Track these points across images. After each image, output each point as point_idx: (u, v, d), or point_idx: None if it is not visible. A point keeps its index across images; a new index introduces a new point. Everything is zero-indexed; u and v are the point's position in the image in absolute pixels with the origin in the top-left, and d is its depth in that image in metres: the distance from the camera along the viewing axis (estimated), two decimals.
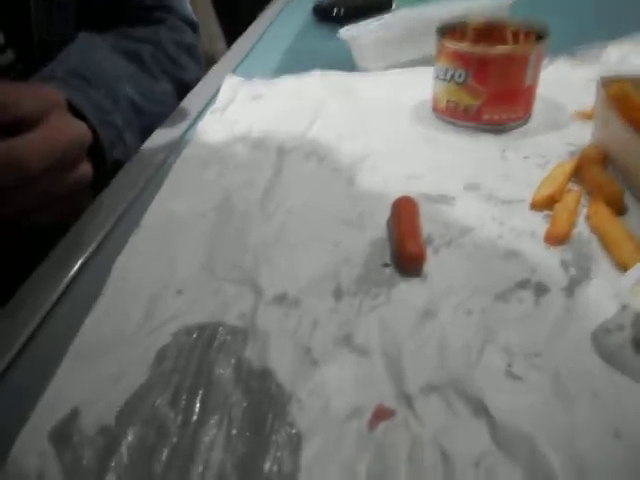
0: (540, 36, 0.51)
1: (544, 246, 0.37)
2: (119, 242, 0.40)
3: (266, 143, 0.51)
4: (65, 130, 0.41)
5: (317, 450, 0.26)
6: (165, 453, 0.26)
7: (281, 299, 0.34)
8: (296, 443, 0.26)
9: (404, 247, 0.36)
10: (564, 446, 0.25)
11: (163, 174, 0.47)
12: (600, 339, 0.30)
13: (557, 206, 0.40)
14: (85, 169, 0.45)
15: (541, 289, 0.33)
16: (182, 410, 0.28)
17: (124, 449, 0.26)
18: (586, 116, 0.53)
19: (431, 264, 0.36)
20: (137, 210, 0.43)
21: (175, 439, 0.27)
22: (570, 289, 0.33)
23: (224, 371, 0.30)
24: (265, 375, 0.29)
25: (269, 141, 0.51)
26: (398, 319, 0.32)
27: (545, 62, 0.58)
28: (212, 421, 0.27)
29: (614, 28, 0.69)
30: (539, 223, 0.39)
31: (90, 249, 0.40)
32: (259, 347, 0.31)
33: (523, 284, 0.34)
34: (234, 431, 0.27)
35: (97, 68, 0.59)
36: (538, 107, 0.53)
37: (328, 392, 0.28)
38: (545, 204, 0.41)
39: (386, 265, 0.36)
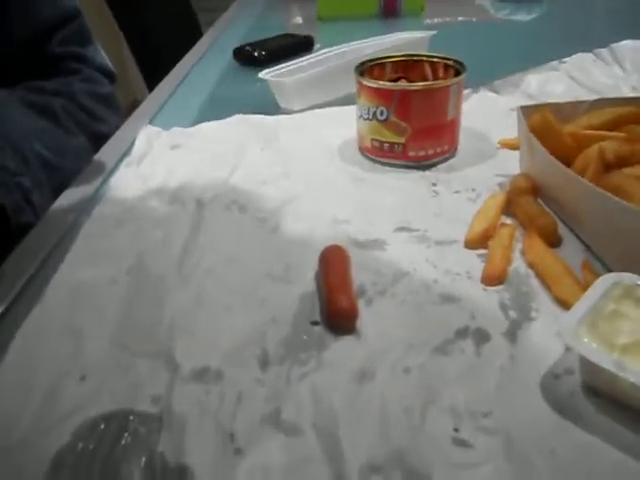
0: (459, 69, 0.50)
1: (481, 287, 0.35)
2: (19, 320, 0.35)
3: (183, 195, 0.47)
4: None
5: None
6: None
7: (200, 374, 0.30)
8: None
9: (334, 303, 0.32)
10: None
11: (72, 237, 0.43)
12: (549, 387, 0.28)
13: (491, 243, 0.38)
14: None
15: (482, 336, 0.31)
16: None
17: None
18: (511, 145, 0.52)
19: (364, 318, 0.33)
20: (42, 281, 0.38)
21: None
22: (512, 333, 0.31)
23: (132, 474, 0.25)
24: (181, 473, 0.25)
25: (187, 193, 0.47)
26: (331, 386, 0.28)
27: (466, 94, 0.58)
28: None
29: (531, 58, 0.70)
30: (474, 262, 0.37)
31: None
32: (175, 437, 0.27)
33: (462, 333, 0.31)
34: None
35: (2, 125, 0.55)
36: (463, 139, 0.53)
37: None
38: (479, 242, 0.39)
39: (315, 323, 0.33)
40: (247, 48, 0.82)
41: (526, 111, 0.44)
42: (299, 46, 0.83)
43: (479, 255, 0.38)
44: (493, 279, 0.35)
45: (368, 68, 0.52)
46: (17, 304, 0.37)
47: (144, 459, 0.26)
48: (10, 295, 0.38)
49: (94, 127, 0.68)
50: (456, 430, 0.26)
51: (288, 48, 0.82)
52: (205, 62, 0.89)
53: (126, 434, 0.27)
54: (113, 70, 0.77)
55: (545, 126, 0.41)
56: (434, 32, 0.73)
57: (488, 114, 0.58)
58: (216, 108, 0.64)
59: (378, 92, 0.48)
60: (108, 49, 0.80)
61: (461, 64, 0.51)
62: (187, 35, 1.19)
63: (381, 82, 0.48)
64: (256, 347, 0.31)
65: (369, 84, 0.48)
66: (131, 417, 0.28)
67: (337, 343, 0.31)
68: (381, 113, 0.48)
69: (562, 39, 0.89)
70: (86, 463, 0.26)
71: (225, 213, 0.44)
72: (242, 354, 0.31)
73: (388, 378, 0.29)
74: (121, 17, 1.55)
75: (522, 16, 1.10)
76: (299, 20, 1.16)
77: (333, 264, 0.36)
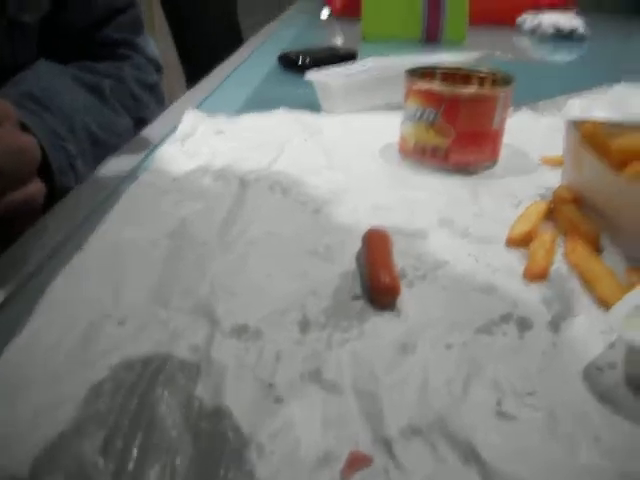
0: (507, 82, 0.51)
1: (523, 282, 0.35)
2: (60, 266, 0.35)
3: (228, 174, 0.47)
4: (13, 140, 0.37)
5: None
6: None
7: (239, 331, 0.30)
8: None
9: (377, 279, 0.32)
10: None
11: (115, 200, 0.43)
12: (593, 378, 0.27)
13: (534, 244, 0.38)
14: (35, 189, 0.40)
15: (525, 324, 0.30)
16: (115, 458, 0.23)
17: None
18: (553, 162, 0.52)
19: (405, 298, 0.33)
20: (84, 234, 0.39)
21: None
22: (555, 324, 0.31)
23: (169, 411, 0.25)
24: (219, 416, 0.25)
25: (231, 172, 0.48)
26: (372, 354, 0.28)
27: (509, 111, 0.58)
28: (152, 471, 0.22)
29: (575, 85, 0.70)
30: (515, 261, 0.37)
31: (29, 270, 0.35)
32: (213, 383, 0.26)
33: (505, 318, 0.31)
34: None
35: (54, 95, 0.56)
36: (504, 153, 0.53)
37: (294, 435, 0.24)
38: (520, 242, 0.39)
39: (357, 298, 0.33)
40: (292, 54, 0.84)
41: (574, 124, 0.44)
42: (343, 58, 0.85)
43: (521, 255, 0.38)
44: (535, 275, 0.35)
45: (419, 74, 0.52)
46: (58, 256, 0.37)
47: (181, 399, 0.25)
48: (52, 242, 0.38)
49: (139, 112, 0.70)
50: (499, 404, 0.25)
51: (332, 58, 0.83)
52: (249, 64, 0.90)
53: (162, 377, 0.27)
54: (161, 62, 0.78)
55: (595, 136, 0.41)
56: (480, 54, 0.75)
57: (529, 132, 0.59)
58: (260, 104, 0.65)
59: (429, 94, 0.48)
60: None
61: (509, 77, 0.51)
62: (230, 46, 1.22)
63: (433, 84, 0.49)
64: (297, 312, 0.31)
65: (421, 86, 0.49)
66: (168, 362, 0.28)
67: (378, 317, 0.31)
68: (429, 115, 0.49)
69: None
70: (123, 394, 0.25)
71: (268, 193, 0.45)
72: (282, 317, 0.31)
73: (429, 352, 0.28)
74: (172, 16, 1.59)
75: (562, 57, 1.11)
76: (342, 39, 1.18)
77: (376, 244, 0.36)
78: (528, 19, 1.23)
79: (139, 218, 0.40)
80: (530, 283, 0.35)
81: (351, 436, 0.24)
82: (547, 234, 0.39)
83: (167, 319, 0.31)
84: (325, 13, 1.35)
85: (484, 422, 0.24)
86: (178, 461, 0.23)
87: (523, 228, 0.40)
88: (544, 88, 0.73)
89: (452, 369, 0.27)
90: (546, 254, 0.37)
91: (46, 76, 0.59)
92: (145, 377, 0.27)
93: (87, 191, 0.46)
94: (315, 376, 0.27)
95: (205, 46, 1.54)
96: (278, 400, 0.25)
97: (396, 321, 0.31)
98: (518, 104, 0.64)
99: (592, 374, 0.27)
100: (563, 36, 1.18)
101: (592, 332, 0.30)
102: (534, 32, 1.21)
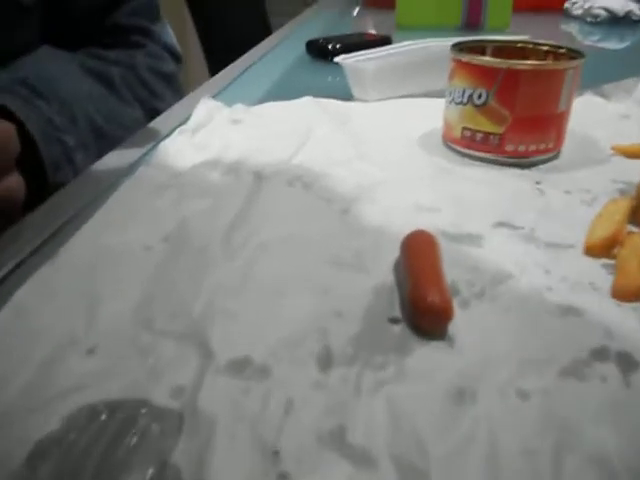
0: (575, 58, 0.42)
1: (613, 302, 0.27)
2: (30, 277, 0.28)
3: (241, 167, 0.40)
4: None
5: None
6: None
7: (240, 366, 0.22)
8: None
9: (422, 296, 0.25)
10: None
11: (107, 197, 0.36)
12: None
13: (623, 252, 0.30)
14: (13, 183, 0.34)
15: (628, 362, 0.22)
16: None
17: None
18: (627, 152, 0.43)
19: (459, 322, 0.25)
20: (64, 238, 0.32)
21: None
22: None
23: None
24: None
25: (245, 165, 0.41)
26: (416, 403, 0.20)
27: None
28: None
29: (635, 71, 0.61)
30: (599, 272, 0.29)
31: None
32: (197, 446, 0.19)
33: (600, 354, 0.23)
34: None
35: (53, 82, 0.51)
36: (568, 142, 0.44)
37: None
38: (603, 250, 0.31)
39: (395, 321, 0.25)
40: (321, 41, 0.76)
41: None
42: (376, 44, 0.77)
43: (603, 265, 0.30)
44: (629, 293, 0.27)
45: (466, 48, 0.44)
46: (30, 263, 0.30)
47: (152, 470, 0.18)
48: (26, 248, 0.31)
49: (152, 103, 0.64)
50: None
51: (365, 45, 0.75)
52: (275, 53, 0.84)
53: (133, 431, 0.20)
54: (179, 51, 0.73)
55: None
56: (527, 37, 0.66)
57: (595, 119, 0.50)
58: (284, 94, 0.58)
59: (479, 70, 0.40)
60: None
61: (578, 53, 0.43)
62: (258, 35, 1.15)
63: (483, 58, 0.41)
64: (315, 342, 0.24)
65: (469, 60, 0.41)
66: (143, 410, 0.21)
67: (424, 349, 0.23)
68: (479, 96, 0.41)
69: None
70: (74, 461, 0.18)
71: (286, 189, 0.37)
72: (297, 348, 0.23)
73: (496, 403, 0.20)
74: (195, 6, 1.53)
75: (613, 44, 1.01)
76: (375, 28, 1.10)
77: (419, 252, 0.28)
78: (577, 2, 1.12)
79: (129, 219, 0.34)
80: (623, 303, 0.26)
81: None
82: (638, 238, 0.30)
83: (148, 348, 0.24)
84: (356, 9, 1.27)
85: None
86: None
87: (605, 232, 0.31)
88: (601, 75, 0.64)
89: (532, 431, 0.19)
90: (639, 264, 0.28)
91: (46, 62, 0.53)
92: (108, 434, 0.20)
93: (77, 188, 0.40)
94: (338, 438, 0.19)
95: (233, 46, 1.48)
96: (283, 477, 0.18)
97: (448, 354, 0.23)
98: (579, 89, 0.56)
99: None
100: (616, 20, 1.07)
101: None
102: (584, 16, 1.10)
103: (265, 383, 0.22)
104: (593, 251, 0.31)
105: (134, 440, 0.19)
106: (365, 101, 0.57)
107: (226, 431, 0.19)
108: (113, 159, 0.44)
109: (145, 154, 0.45)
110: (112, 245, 0.31)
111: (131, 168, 0.42)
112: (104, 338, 0.24)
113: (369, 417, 0.20)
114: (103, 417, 0.20)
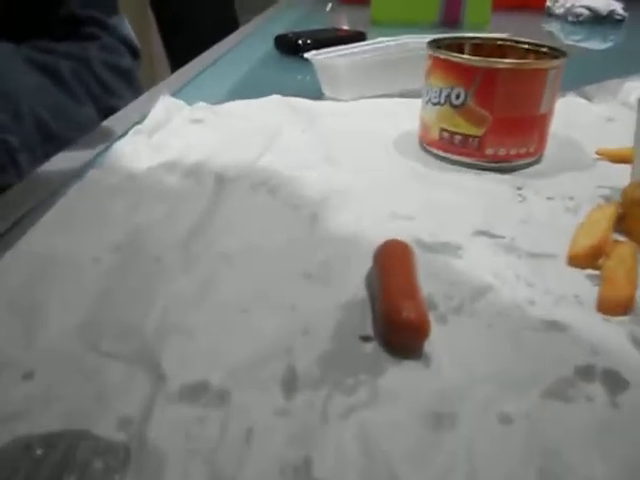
0: (556, 57, 0.42)
1: (599, 317, 0.26)
2: None
3: (201, 170, 0.39)
4: None
5: None
6: None
7: (195, 392, 0.22)
8: None
9: (397, 311, 0.24)
10: None
11: (53, 203, 0.35)
12: None
13: (608, 263, 0.30)
14: None
15: (616, 381, 0.22)
16: None
17: None
18: (613, 156, 0.44)
19: (436, 339, 0.24)
20: (3, 247, 0.31)
21: None
22: None
23: None
24: None
25: (206, 168, 0.40)
26: (391, 430, 0.20)
27: None
28: None
29: (616, 73, 0.62)
30: (584, 284, 0.29)
31: None
32: None
33: (585, 372, 0.23)
34: None
35: None
36: (550, 146, 0.44)
37: None
38: (587, 260, 0.31)
39: (367, 339, 0.24)
40: (290, 35, 0.76)
41: None
42: (350, 40, 0.76)
43: (588, 276, 0.30)
44: (617, 307, 0.27)
45: (444, 46, 0.44)
46: None
47: None
48: None
49: (107, 101, 0.63)
50: None
51: (337, 40, 0.74)
52: (241, 48, 0.83)
53: (72, 468, 0.19)
54: (137, 45, 0.71)
55: None
56: (507, 34, 0.66)
57: (579, 122, 0.50)
58: (249, 92, 0.57)
59: (457, 68, 0.40)
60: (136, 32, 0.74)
61: (560, 52, 0.43)
62: (225, 30, 1.14)
63: (462, 56, 0.41)
64: (280, 363, 0.23)
65: (447, 57, 0.41)
66: (84, 443, 0.19)
67: (398, 369, 0.23)
68: (457, 96, 0.41)
69: None
70: None
71: (250, 194, 0.36)
72: (259, 370, 0.23)
73: (477, 427, 0.20)
74: (162, 18, 1.51)
75: (596, 44, 1.03)
76: (348, 24, 1.10)
77: (394, 263, 0.27)
78: (559, 1, 1.14)
79: (77, 226, 0.32)
80: (609, 317, 0.26)
81: None
82: (624, 248, 0.30)
83: (93, 372, 0.23)
84: (329, 4, 1.28)
85: None
86: None
87: (590, 240, 0.31)
88: (584, 75, 0.65)
89: (515, 459, 0.19)
90: (627, 275, 0.28)
91: None
92: (44, 469, 0.18)
93: (21, 192, 0.38)
94: (303, 471, 0.18)
95: (198, 47, 1.45)
96: None
97: (424, 375, 0.23)
98: (562, 90, 0.56)
99: None
100: (599, 19, 1.10)
101: None
102: (566, 15, 1.12)
103: (223, 410, 0.21)
104: (577, 261, 0.30)
105: (72, 479, 0.18)
106: (337, 100, 0.56)
107: (178, 467, 0.18)
108: (61, 161, 0.43)
109: (97, 155, 0.44)
110: (56, 255, 0.30)
111: (81, 171, 0.40)
112: (43, 360, 0.23)
113: (338, 447, 0.19)
114: (38, 452, 0.19)
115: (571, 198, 0.37)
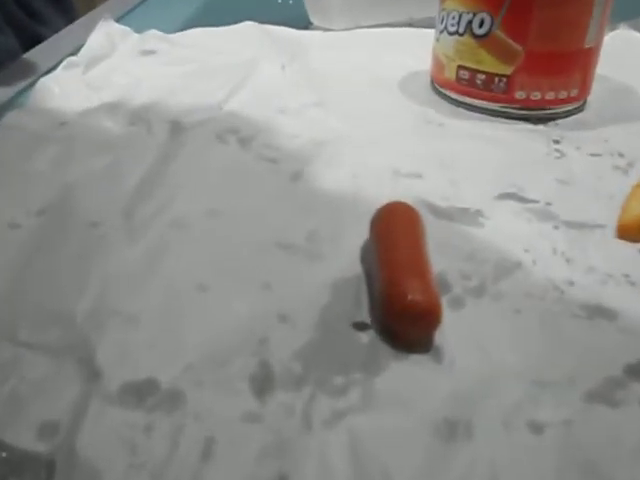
0: None
1: None
2: None
3: (152, 115, 0.40)
4: None
5: None
6: None
7: (140, 392, 0.22)
8: None
9: (400, 294, 0.24)
10: None
11: None
12: None
13: None
14: None
15: None
16: None
17: None
18: None
19: (449, 328, 0.25)
20: None
21: None
22: None
23: None
24: None
25: (157, 112, 0.41)
26: (391, 441, 0.20)
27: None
28: None
29: None
30: (635, 262, 0.30)
31: None
32: None
33: (638, 370, 0.23)
34: None
35: None
36: (597, 90, 0.45)
37: None
38: None
39: (362, 327, 0.25)
40: None
41: None
42: None
43: None
44: None
45: None
46: None
47: None
48: None
49: (33, 28, 0.65)
50: None
51: None
52: None
53: None
54: None
55: None
56: None
57: (633, 61, 0.51)
58: (215, 19, 0.57)
59: None
60: None
61: None
62: None
63: None
64: (249, 357, 0.23)
65: None
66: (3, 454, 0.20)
67: (401, 365, 0.23)
68: (480, 24, 0.41)
69: None
70: None
71: (215, 144, 0.38)
72: (222, 367, 0.23)
73: (500, 439, 0.20)
74: None
75: None
76: None
77: (397, 233, 0.27)
78: None
79: None
80: None
81: None
82: None
83: (8, 367, 0.23)
84: None
85: None
86: None
87: None
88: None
89: (548, 476, 0.19)
90: None
91: None
92: None
93: None
94: None
95: None
96: None
97: (434, 373, 0.23)
98: (612, 21, 0.56)
99: None
100: None
101: None
102: None
103: (175, 416, 0.21)
104: (629, 233, 0.31)
105: None
106: (327, 30, 0.57)
107: None
108: None
109: (18, 94, 0.44)
110: None
111: None
112: None
113: (322, 461, 0.19)
114: None
115: (621, 155, 0.38)
